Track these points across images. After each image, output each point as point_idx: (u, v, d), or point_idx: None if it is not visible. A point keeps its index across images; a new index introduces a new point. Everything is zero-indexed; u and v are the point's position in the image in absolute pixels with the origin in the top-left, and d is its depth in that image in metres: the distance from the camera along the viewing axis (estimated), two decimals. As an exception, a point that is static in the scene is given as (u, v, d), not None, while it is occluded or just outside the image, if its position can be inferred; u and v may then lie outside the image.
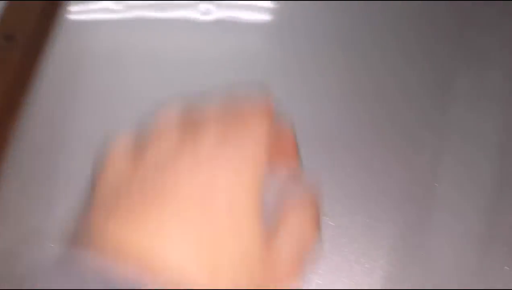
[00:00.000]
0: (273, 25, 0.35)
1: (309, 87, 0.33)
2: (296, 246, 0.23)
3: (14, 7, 0.38)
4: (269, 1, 0.36)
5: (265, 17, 0.36)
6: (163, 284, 0.17)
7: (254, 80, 0.30)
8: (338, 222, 0.27)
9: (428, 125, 0.29)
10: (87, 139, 0.34)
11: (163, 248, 0.18)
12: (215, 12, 0.33)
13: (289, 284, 0.22)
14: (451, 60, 0.32)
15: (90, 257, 0.18)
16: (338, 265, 0.25)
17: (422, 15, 0.33)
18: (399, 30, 0.33)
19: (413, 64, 0.31)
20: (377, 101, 0.30)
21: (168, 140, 0.21)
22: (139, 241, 0.18)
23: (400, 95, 0.30)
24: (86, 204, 0.21)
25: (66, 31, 0.38)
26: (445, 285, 0.24)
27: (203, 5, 0.34)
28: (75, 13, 0.39)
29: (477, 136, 0.29)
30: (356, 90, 0.31)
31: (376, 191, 0.27)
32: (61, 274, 0.17)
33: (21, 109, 0.35)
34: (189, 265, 0.19)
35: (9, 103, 0.36)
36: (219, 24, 0.34)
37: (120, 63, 0.35)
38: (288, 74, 0.33)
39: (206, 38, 0.34)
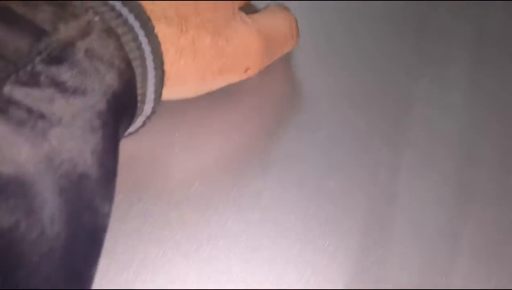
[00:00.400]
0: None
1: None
2: (273, 30, 0.26)
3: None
4: None
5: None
6: None
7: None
8: (295, 223, 0.25)
9: (390, 126, 0.28)
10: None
11: None
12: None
13: (251, 65, 0.25)
14: (410, 58, 0.31)
15: None
16: (301, 262, 0.24)
17: (378, 16, 0.33)
18: (357, 32, 0.32)
19: (371, 65, 0.31)
20: (339, 101, 0.29)
21: None
22: None
23: (361, 94, 0.29)
24: None
25: None
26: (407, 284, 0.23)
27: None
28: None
29: (440, 134, 0.28)
30: (315, 93, 0.29)
31: (336, 194, 0.26)
32: None
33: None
34: None
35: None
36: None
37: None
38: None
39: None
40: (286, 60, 0.29)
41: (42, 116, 0.16)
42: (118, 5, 0.20)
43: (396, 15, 0.33)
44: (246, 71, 0.25)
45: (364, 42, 0.31)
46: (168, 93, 0.23)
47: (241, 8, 0.26)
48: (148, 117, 0.22)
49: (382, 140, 0.27)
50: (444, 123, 0.29)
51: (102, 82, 0.18)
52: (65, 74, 0.17)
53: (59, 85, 0.17)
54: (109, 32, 0.19)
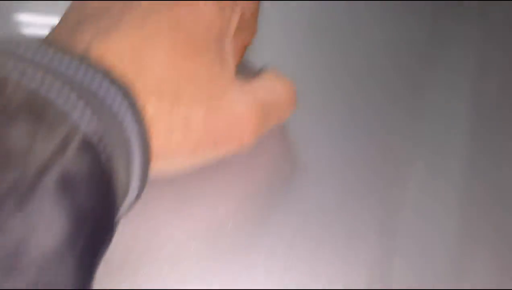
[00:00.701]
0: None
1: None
2: (272, 99, 0.24)
3: None
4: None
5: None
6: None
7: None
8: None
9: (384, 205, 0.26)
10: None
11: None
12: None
13: (247, 136, 0.22)
14: (406, 131, 0.29)
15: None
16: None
17: (376, 80, 0.30)
18: (353, 98, 0.30)
19: (366, 131, 0.29)
20: (333, 173, 0.27)
21: None
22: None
23: (355, 165, 0.27)
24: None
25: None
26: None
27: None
28: None
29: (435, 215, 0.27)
30: (309, 161, 0.27)
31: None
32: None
33: None
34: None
35: None
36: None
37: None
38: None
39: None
40: (282, 125, 0.27)
41: (12, 267, 0.14)
42: (105, 85, 0.17)
43: (393, 80, 0.30)
44: (241, 143, 0.22)
45: (359, 106, 0.29)
46: (156, 170, 0.20)
47: (236, 66, 0.24)
48: (131, 205, 0.20)
49: (376, 221, 0.25)
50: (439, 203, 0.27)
51: (77, 212, 0.15)
52: (35, 213, 0.15)
53: (29, 227, 0.14)
54: (91, 137, 0.16)
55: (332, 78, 0.30)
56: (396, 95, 0.30)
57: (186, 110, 0.20)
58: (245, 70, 0.25)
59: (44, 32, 0.22)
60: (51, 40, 0.20)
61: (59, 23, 0.21)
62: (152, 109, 0.19)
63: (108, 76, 0.18)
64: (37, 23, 0.32)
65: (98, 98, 0.17)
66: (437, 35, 0.33)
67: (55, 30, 0.21)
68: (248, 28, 0.26)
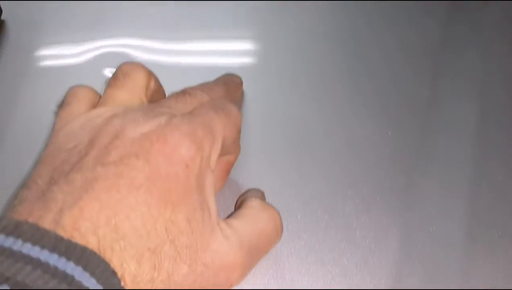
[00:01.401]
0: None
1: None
2: (258, 237, 0.23)
3: None
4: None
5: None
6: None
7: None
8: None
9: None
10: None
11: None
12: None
13: (234, 281, 0.21)
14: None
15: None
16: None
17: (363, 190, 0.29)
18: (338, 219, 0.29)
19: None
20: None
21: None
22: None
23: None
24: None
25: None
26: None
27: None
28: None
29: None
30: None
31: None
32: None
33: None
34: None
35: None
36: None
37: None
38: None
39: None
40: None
41: None
42: (78, 271, 0.17)
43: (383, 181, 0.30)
44: (228, 286, 0.22)
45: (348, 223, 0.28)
46: None
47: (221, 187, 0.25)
48: None
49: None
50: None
51: None
52: None
53: None
54: None
55: (315, 192, 0.29)
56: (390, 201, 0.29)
57: (168, 267, 0.19)
58: (231, 190, 0.26)
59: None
60: (21, 210, 0.19)
61: (30, 180, 0.20)
62: (132, 273, 0.18)
63: (81, 260, 0.17)
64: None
65: (74, 281, 0.17)
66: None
67: (25, 189, 0.20)
68: (231, 152, 0.26)
